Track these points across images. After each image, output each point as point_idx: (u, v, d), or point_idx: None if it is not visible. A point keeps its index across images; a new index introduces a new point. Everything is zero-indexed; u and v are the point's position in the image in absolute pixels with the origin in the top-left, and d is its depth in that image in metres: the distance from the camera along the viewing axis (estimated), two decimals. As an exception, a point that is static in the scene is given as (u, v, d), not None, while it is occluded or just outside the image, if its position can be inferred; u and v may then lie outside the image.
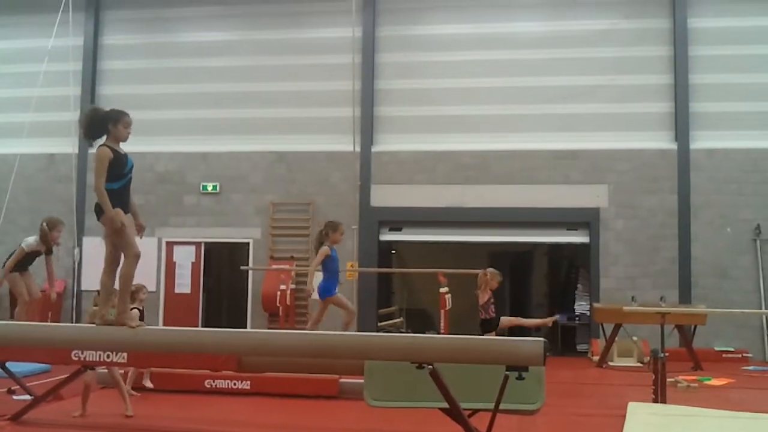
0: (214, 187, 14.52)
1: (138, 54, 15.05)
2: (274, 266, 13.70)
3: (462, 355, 5.44)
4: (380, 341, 5.79)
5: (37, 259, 8.77)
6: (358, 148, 13.68)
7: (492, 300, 8.97)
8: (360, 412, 6.45)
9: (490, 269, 9.19)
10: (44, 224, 8.56)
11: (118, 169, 5.69)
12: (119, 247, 5.74)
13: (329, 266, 8.31)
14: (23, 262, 8.68)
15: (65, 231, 9.35)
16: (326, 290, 8.27)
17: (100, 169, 5.61)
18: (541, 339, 5.38)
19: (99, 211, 5.67)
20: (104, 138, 5.80)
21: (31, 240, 8.61)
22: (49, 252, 8.74)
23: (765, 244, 13.06)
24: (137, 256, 5.74)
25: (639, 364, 11.24)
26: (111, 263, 5.84)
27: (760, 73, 13.35)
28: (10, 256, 8.68)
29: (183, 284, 14.45)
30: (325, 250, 8.23)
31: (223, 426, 6.53)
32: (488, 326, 8.86)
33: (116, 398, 6.92)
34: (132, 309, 6.49)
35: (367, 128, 14.08)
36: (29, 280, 8.82)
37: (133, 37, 15.16)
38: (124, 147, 5.90)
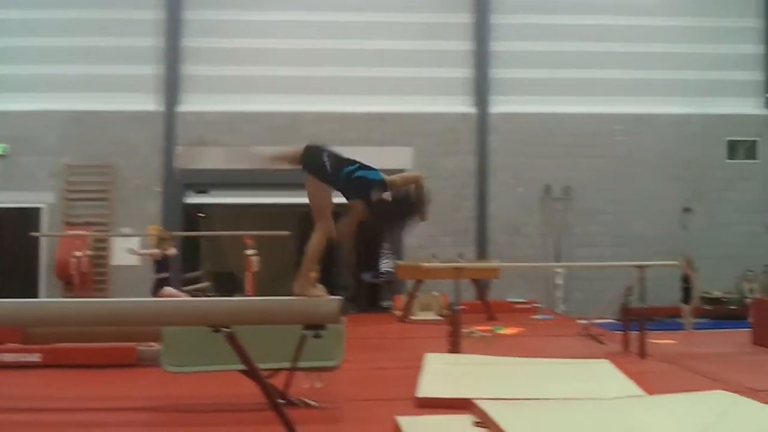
0: (2, 149, 13.43)
1: None
2: (69, 232, 12.97)
3: (259, 317, 5.40)
4: (175, 306, 5.63)
5: None
6: (161, 108, 13.17)
7: None
8: (159, 379, 6.30)
9: None
10: None
11: None
12: None
13: None
14: None
15: None
16: None
17: None
18: (338, 297, 5.48)
19: None
20: None
21: None
22: None
23: (553, 203, 14.09)
24: None
25: (439, 318, 11.59)
26: None
27: (555, 42, 14.22)
28: None
29: (-33, 253, 13.33)
30: None
31: (11, 401, 6.08)
32: None
33: None
34: None
35: (171, 87, 13.57)
36: None
37: None
38: None
